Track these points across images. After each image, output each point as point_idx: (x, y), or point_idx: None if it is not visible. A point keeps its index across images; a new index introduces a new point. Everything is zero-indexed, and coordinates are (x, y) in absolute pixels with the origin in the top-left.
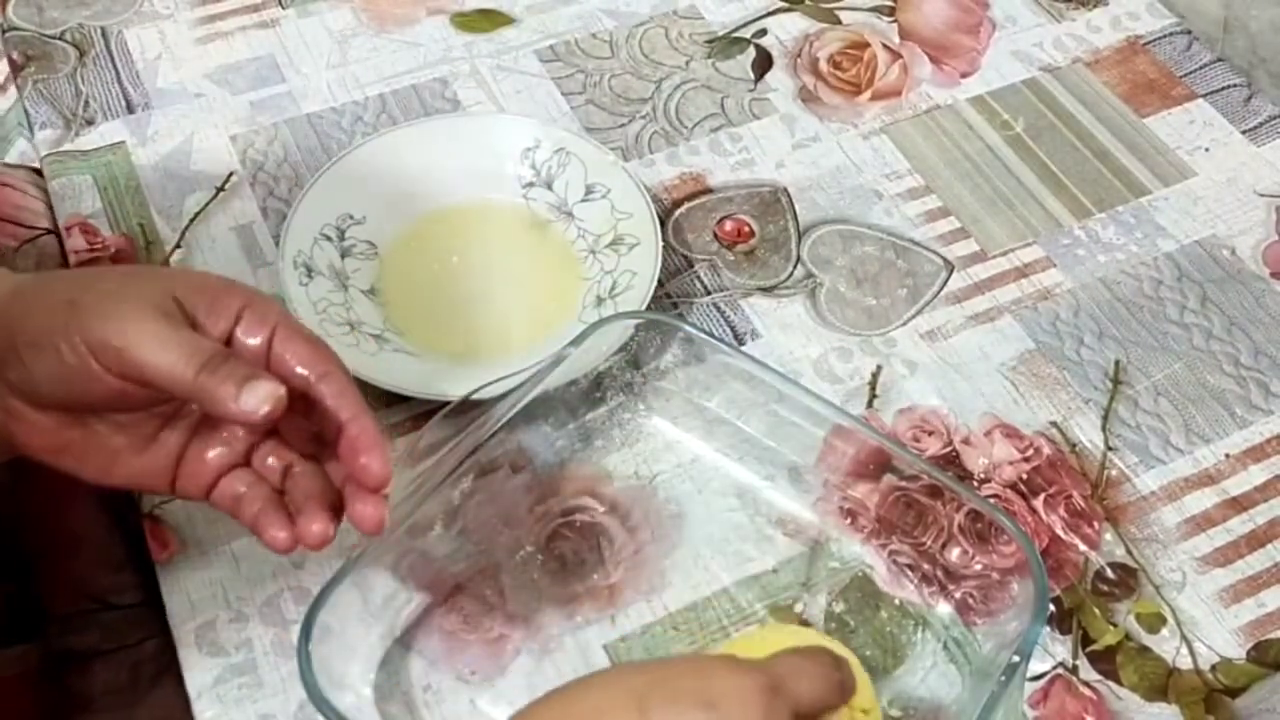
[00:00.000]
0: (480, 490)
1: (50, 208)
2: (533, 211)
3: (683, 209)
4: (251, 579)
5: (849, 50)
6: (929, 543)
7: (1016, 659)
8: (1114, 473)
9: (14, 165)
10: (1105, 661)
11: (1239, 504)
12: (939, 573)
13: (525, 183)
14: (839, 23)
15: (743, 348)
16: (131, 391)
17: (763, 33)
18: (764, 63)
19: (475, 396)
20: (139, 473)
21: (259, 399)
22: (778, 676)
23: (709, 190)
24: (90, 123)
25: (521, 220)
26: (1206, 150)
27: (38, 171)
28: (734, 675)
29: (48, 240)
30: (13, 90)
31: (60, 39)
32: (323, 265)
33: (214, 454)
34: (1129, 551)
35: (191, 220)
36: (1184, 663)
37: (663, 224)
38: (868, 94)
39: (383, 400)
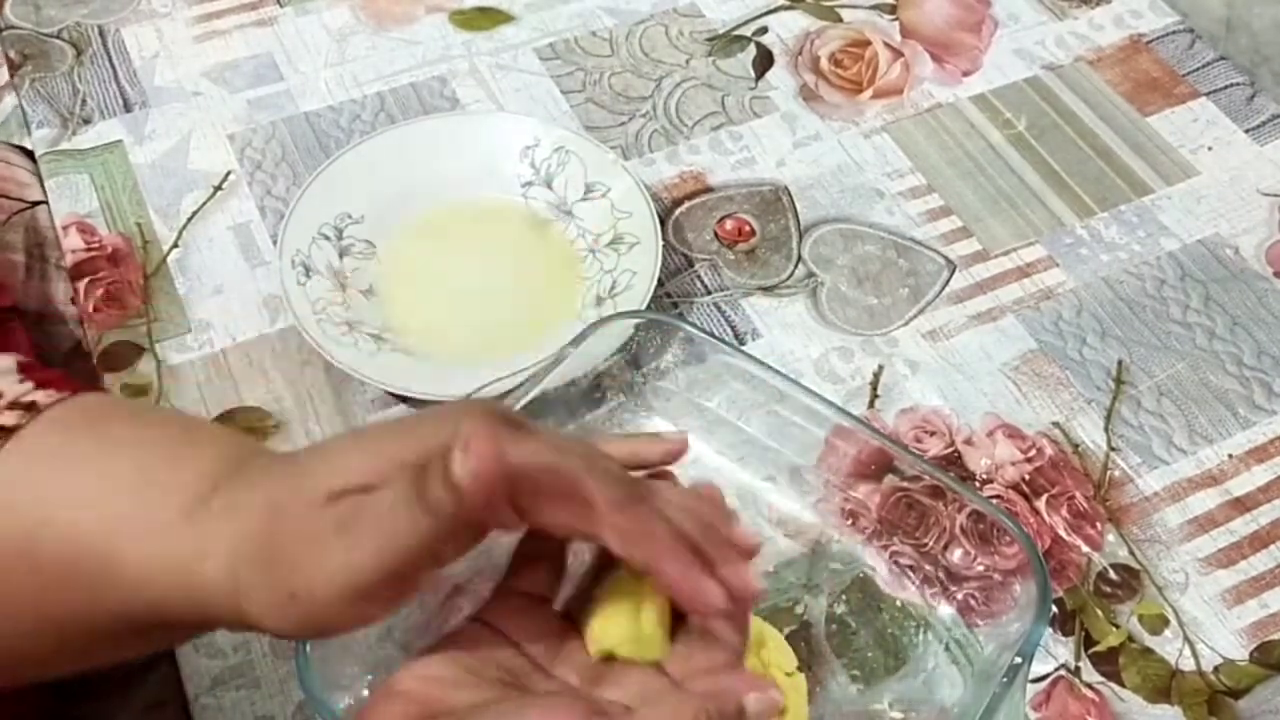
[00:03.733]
0: None
1: (39, 179)
2: (532, 210)
3: (683, 208)
4: None
5: (850, 48)
6: (931, 544)
7: (1019, 660)
8: (1117, 473)
9: None
10: (1108, 663)
11: (1242, 504)
12: (941, 574)
13: (524, 181)
14: (840, 20)
15: (743, 347)
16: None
17: (763, 30)
18: (765, 61)
19: (474, 397)
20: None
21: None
22: None
23: (709, 189)
24: (87, 121)
25: (521, 219)
26: (1209, 149)
27: (23, 149)
28: None
29: (37, 214)
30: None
31: (57, 37)
32: (321, 265)
33: None
34: (1131, 552)
35: (189, 219)
36: (1187, 664)
37: (663, 223)
38: (869, 92)
39: (381, 400)
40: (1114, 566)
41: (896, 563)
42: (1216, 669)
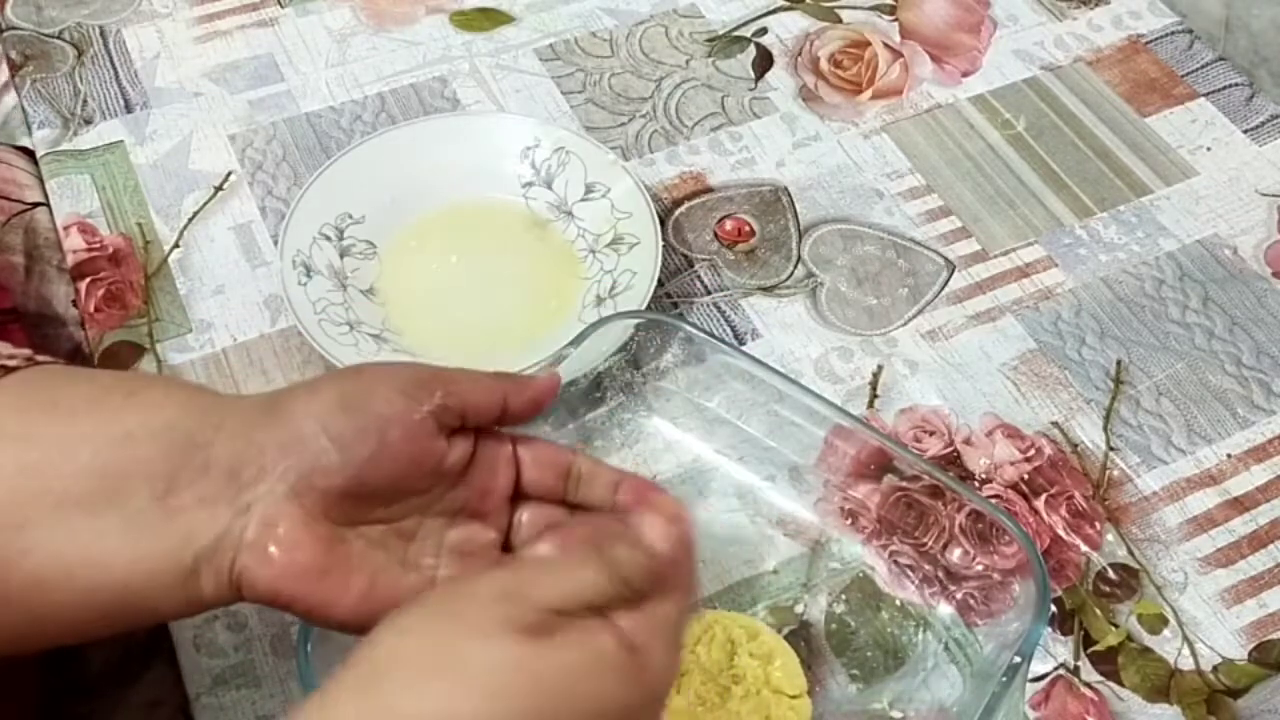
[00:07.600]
0: None
1: (39, 181)
2: (532, 211)
3: (683, 208)
4: None
5: (850, 49)
6: (930, 543)
7: (1018, 660)
8: (1115, 473)
9: None
10: (1107, 662)
11: (1241, 504)
12: (940, 573)
13: (525, 182)
14: (840, 21)
15: (743, 347)
16: (433, 451)
17: (763, 31)
18: (764, 61)
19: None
20: (401, 594)
21: (549, 377)
22: (532, 611)
23: (709, 189)
24: (89, 122)
25: (521, 220)
26: (1208, 149)
27: (23, 150)
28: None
29: (37, 215)
30: (13, 91)
31: (59, 38)
32: (321, 265)
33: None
34: (1130, 552)
35: (190, 220)
36: (1186, 663)
37: (663, 223)
38: (869, 93)
39: None
40: (1113, 566)
41: (896, 562)
42: (1215, 668)
